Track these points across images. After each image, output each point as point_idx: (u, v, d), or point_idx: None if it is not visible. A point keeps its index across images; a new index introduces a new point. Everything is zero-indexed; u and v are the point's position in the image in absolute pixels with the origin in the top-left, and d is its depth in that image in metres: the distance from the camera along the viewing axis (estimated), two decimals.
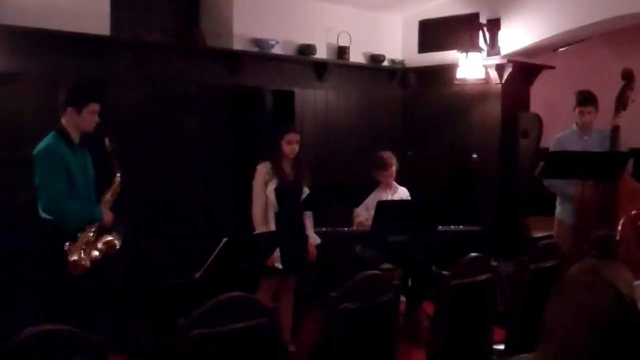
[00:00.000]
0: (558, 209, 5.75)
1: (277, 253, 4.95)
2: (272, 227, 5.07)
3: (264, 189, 5.11)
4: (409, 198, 6.06)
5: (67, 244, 4.11)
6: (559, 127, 6.10)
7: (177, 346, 2.46)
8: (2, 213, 4.85)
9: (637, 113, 5.67)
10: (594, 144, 5.52)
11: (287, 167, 5.21)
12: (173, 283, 4.94)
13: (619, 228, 5.23)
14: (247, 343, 2.63)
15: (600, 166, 5.18)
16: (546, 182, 5.64)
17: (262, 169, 5.16)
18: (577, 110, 5.59)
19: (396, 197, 5.99)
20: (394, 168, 5.93)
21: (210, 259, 4.01)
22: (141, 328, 5.15)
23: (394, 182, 6.03)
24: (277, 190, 5.12)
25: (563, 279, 1.75)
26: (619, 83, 5.61)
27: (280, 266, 5.03)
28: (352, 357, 3.08)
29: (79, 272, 4.12)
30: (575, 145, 5.46)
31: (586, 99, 5.56)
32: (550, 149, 5.68)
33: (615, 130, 5.46)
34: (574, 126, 5.69)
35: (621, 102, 5.49)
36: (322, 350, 3.03)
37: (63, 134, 4.21)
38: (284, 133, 5.18)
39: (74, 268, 4.11)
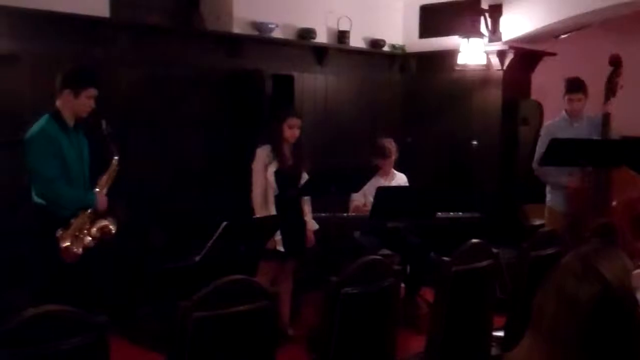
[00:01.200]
0: (548, 196, 5.75)
1: (278, 236, 4.96)
2: (272, 211, 5.07)
3: (264, 172, 5.10)
4: (407, 184, 6.05)
5: (60, 230, 4.06)
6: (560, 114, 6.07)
7: (178, 329, 2.45)
8: (1, 196, 4.83)
9: (628, 101, 5.66)
10: (584, 131, 5.51)
11: (287, 152, 5.20)
12: (173, 266, 4.94)
13: (613, 215, 5.25)
14: (247, 326, 2.62)
15: (603, 154, 5.17)
16: (537, 172, 5.64)
17: (262, 152, 5.15)
18: (566, 97, 5.58)
19: (394, 183, 5.98)
20: (393, 157, 5.93)
21: (210, 242, 4.00)
22: (141, 311, 5.15)
23: (393, 169, 6.03)
24: (277, 174, 5.11)
25: (556, 266, 1.74)
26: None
27: (282, 249, 5.03)
28: (352, 342, 3.07)
29: (70, 259, 4.08)
30: (566, 133, 5.44)
31: (575, 86, 5.55)
32: (540, 137, 5.68)
33: (606, 118, 5.44)
34: (563, 113, 5.69)
35: (610, 89, 5.48)
36: (322, 334, 3.03)
37: (57, 117, 4.16)
38: (286, 117, 5.17)
39: (65, 255, 4.07)
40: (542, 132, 5.72)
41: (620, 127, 5.60)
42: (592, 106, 5.65)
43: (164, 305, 4.61)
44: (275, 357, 2.78)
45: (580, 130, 5.51)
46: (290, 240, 5.08)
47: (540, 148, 5.60)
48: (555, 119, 5.77)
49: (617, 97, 5.48)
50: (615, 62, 5.51)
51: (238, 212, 5.23)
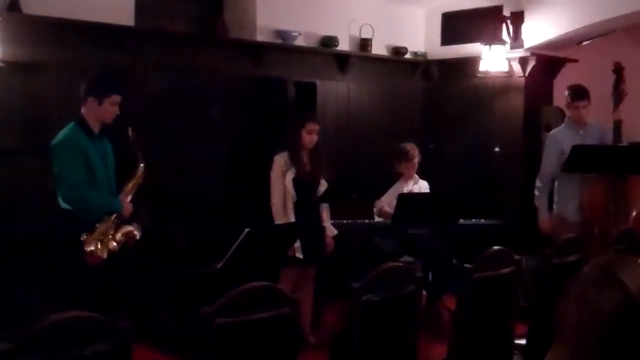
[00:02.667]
0: (557, 205, 5.71)
1: (297, 243, 4.96)
2: (292, 218, 5.08)
3: (282, 179, 5.12)
4: (428, 191, 6.04)
5: (84, 234, 4.11)
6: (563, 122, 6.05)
7: (200, 335, 2.46)
8: (27, 200, 4.89)
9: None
10: (590, 138, 5.50)
11: (305, 158, 5.21)
12: (195, 272, 4.96)
13: (632, 221, 5.22)
14: (269, 333, 2.63)
15: (625, 160, 5.14)
16: (539, 189, 5.65)
17: (280, 160, 5.16)
18: (572, 105, 5.56)
19: (416, 188, 5.98)
20: (416, 160, 5.93)
21: (232, 248, 4.02)
22: (163, 317, 5.18)
23: (415, 174, 6.03)
24: (295, 181, 5.12)
25: (577, 275, 1.74)
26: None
27: (301, 256, 5.04)
28: (373, 349, 3.07)
29: (94, 263, 4.12)
30: (572, 141, 5.42)
31: (581, 94, 5.55)
32: (546, 147, 5.66)
33: (617, 125, 5.43)
34: (567, 120, 5.67)
35: (618, 96, 5.47)
36: (343, 341, 3.03)
37: (83, 124, 4.22)
38: (305, 122, 5.19)
39: (89, 259, 4.11)
40: (548, 141, 5.70)
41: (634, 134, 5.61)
42: (602, 112, 5.64)
43: (185, 311, 4.64)
44: None
45: (587, 137, 5.51)
46: (309, 247, 5.09)
47: (547, 158, 5.60)
48: (559, 127, 5.78)
49: (629, 103, 5.49)
50: (618, 70, 5.51)
51: (260, 218, 5.25)
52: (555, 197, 5.72)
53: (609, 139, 5.45)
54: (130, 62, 5.42)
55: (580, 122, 5.58)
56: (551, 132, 5.83)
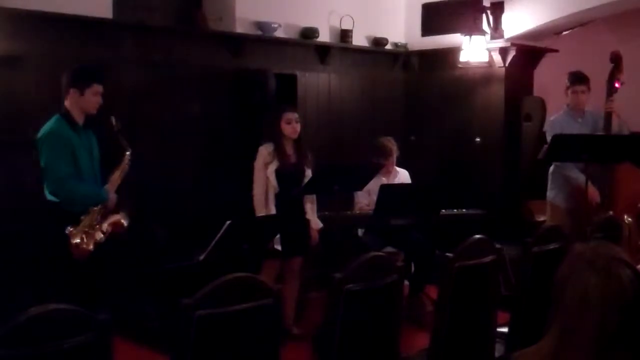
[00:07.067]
0: (550, 193, 5.73)
1: (277, 235, 4.95)
2: (272, 210, 5.06)
3: (265, 171, 5.10)
4: (409, 181, 6.04)
5: (70, 227, 4.13)
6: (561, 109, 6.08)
7: (181, 327, 2.45)
8: (5, 195, 4.84)
9: (631, 96, 5.66)
10: (588, 126, 5.51)
11: (289, 149, 5.20)
12: (176, 265, 4.94)
13: (618, 210, 5.26)
14: (251, 324, 2.62)
15: (606, 149, 5.16)
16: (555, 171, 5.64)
17: (264, 150, 5.15)
18: (570, 90, 5.57)
19: (397, 181, 5.96)
20: (394, 156, 5.90)
21: (214, 241, 4.01)
22: (145, 311, 5.16)
23: (395, 167, 6.01)
24: (278, 172, 5.10)
25: (566, 259, 1.75)
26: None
27: (279, 248, 5.02)
28: (355, 339, 3.07)
29: (81, 255, 4.14)
30: (572, 129, 5.43)
31: (580, 79, 5.56)
32: (547, 133, 5.65)
33: (609, 114, 5.43)
34: (565, 108, 5.67)
35: (612, 86, 5.48)
36: (326, 331, 3.02)
37: (67, 117, 4.25)
38: (282, 113, 5.18)
39: (76, 252, 4.14)
40: (548, 128, 5.69)
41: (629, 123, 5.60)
42: (593, 102, 5.65)
43: (167, 304, 4.62)
44: (279, 355, 2.78)
45: (585, 126, 5.51)
46: (291, 239, 5.07)
47: None
48: (558, 114, 5.77)
49: (621, 92, 5.48)
50: (616, 59, 5.51)
51: (241, 211, 5.23)
52: (550, 185, 5.73)
53: (600, 128, 5.45)
54: (109, 55, 5.37)
55: (578, 108, 5.57)
56: (550, 118, 5.81)
